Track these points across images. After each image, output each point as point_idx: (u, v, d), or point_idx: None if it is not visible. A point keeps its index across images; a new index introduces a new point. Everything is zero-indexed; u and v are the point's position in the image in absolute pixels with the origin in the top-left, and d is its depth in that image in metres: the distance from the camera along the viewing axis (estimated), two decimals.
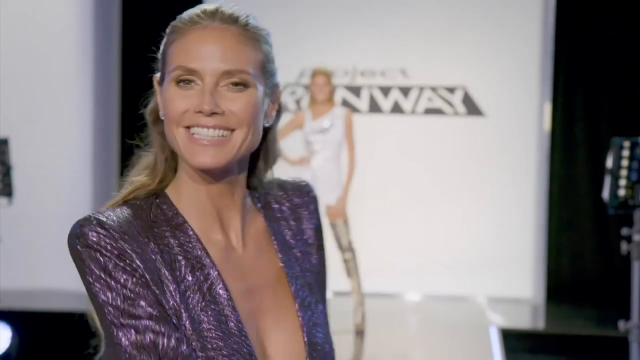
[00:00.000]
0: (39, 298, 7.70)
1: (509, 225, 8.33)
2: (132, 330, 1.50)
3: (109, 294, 1.50)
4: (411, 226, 8.14)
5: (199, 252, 1.59)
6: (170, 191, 1.64)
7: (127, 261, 1.50)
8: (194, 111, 1.55)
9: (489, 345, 6.65)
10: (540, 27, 8.24)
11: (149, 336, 1.49)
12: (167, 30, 1.66)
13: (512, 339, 6.98)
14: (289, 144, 7.00)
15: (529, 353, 7.02)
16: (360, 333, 6.56)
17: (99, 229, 1.51)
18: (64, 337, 7.12)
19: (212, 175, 1.59)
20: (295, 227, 1.75)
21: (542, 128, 8.25)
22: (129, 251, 1.51)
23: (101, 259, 1.50)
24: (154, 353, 1.49)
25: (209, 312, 1.55)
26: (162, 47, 1.69)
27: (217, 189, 1.61)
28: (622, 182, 4.79)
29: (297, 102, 8.37)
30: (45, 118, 7.93)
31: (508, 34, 8.27)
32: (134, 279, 1.50)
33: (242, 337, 1.55)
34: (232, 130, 1.55)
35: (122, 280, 1.50)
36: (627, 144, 4.78)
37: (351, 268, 6.65)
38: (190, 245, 1.59)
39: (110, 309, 1.50)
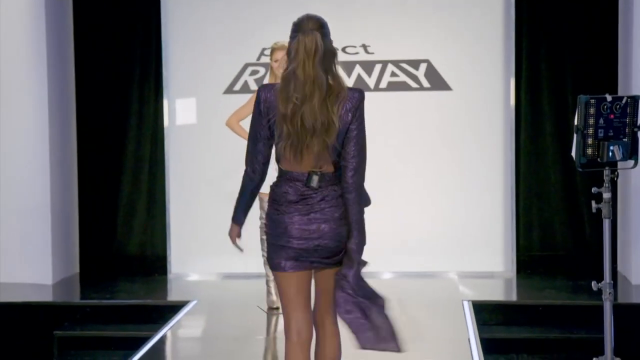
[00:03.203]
0: (3, 292, 7.67)
1: (477, 200, 8.25)
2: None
3: None
4: (378, 204, 7.95)
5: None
6: None
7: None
8: None
9: (462, 319, 6.58)
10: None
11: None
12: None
13: (485, 312, 6.94)
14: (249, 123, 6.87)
15: (503, 325, 6.96)
16: None
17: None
18: (28, 327, 7.07)
19: None
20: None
21: (508, 101, 8.17)
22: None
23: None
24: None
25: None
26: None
27: None
28: (590, 140, 4.70)
29: (258, 81, 8.24)
30: (1, 121, 7.89)
31: (470, 6, 8.18)
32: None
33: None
34: None
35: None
36: (593, 101, 4.69)
37: None
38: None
39: None
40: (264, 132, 3.74)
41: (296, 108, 3.64)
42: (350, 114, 3.69)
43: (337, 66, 3.71)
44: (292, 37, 3.71)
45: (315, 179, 3.72)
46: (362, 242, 3.80)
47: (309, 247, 3.75)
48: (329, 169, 3.76)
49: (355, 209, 3.78)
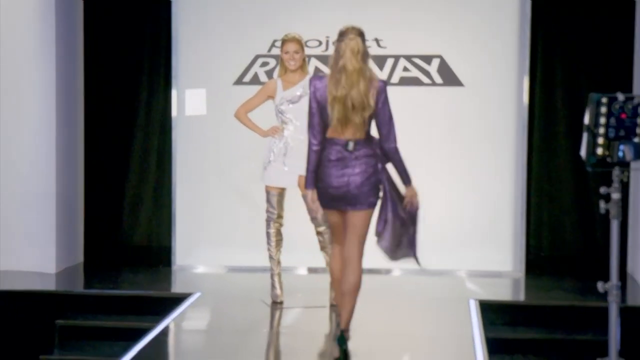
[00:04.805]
0: (5, 279, 7.65)
1: (487, 199, 8.17)
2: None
3: None
4: None
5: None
6: None
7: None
8: None
9: (468, 318, 6.51)
10: None
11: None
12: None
13: (491, 311, 6.86)
14: (260, 114, 6.81)
15: (509, 326, 6.88)
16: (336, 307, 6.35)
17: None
18: (30, 315, 7.03)
19: None
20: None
21: (521, 99, 8.07)
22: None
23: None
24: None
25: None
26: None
27: None
28: (600, 139, 4.61)
29: (268, 73, 8.17)
30: (8, 107, 7.86)
31: (485, 2, 8.09)
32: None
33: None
34: None
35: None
36: (605, 100, 4.60)
37: (326, 241, 6.47)
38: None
39: None
40: (317, 110, 5.12)
41: (346, 92, 5.02)
42: (377, 97, 5.08)
43: (369, 63, 5.16)
44: (339, 40, 5.09)
45: (351, 144, 5.11)
46: (408, 179, 5.30)
47: (340, 194, 5.14)
48: (361, 136, 5.14)
49: (397, 160, 5.24)
